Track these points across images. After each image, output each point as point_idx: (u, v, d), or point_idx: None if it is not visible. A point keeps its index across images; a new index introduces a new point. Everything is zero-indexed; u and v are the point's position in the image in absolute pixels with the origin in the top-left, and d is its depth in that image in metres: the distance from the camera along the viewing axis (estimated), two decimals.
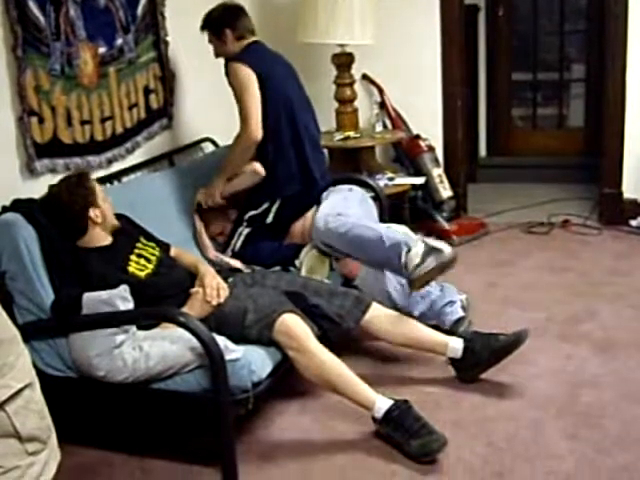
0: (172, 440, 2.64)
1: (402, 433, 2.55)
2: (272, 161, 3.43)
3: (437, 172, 4.79)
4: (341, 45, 4.47)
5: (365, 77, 4.94)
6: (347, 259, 3.37)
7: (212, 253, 3.41)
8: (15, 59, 2.79)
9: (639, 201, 4.76)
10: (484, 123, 6.38)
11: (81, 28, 3.10)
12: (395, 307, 3.24)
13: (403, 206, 4.61)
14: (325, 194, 3.52)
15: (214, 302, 2.74)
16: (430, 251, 2.96)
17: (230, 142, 3.49)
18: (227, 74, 3.40)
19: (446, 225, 4.75)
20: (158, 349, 2.50)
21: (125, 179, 3.42)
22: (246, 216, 3.48)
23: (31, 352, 1.98)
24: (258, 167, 3.42)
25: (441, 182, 4.79)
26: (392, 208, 3.99)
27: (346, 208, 3.35)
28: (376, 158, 4.80)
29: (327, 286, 3.08)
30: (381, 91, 4.92)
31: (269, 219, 3.46)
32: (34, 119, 2.88)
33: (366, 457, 2.59)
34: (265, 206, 3.46)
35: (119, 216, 2.85)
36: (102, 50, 3.26)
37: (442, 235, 4.69)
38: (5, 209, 2.69)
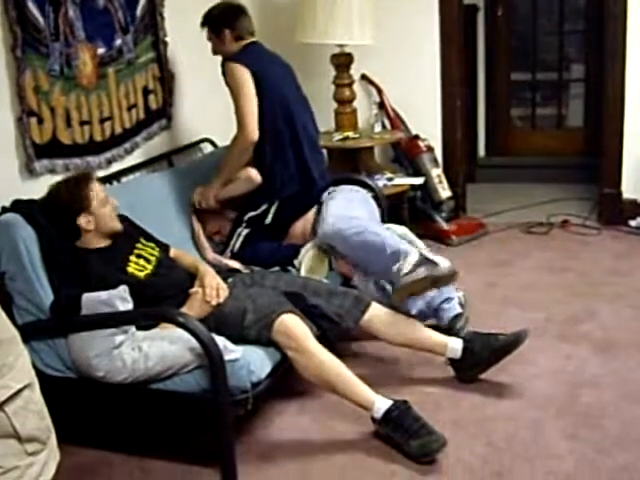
0: (171, 440, 2.64)
1: (401, 433, 2.55)
2: (270, 162, 3.43)
3: (436, 172, 4.79)
4: (340, 45, 4.47)
5: (364, 77, 4.94)
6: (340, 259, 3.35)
7: (210, 254, 3.41)
8: (14, 59, 2.79)
9: (638, 201, 4.76)
10: (483, 123, 6.38)
11: (80, 29, 3.11)
12: (392, 305, 3.21)
13: (402, 206, 4.60)
14: (327, 194, 3.52)
15: (213, 302, 2.74)
16: (423, 262, 2.95)
17: (229, 143, 3.50)
18: (224, 74, 3.40)
19: (445, 225, 4.76)
20: (157, 349, 2.50)
21: (124, 179, 3.42)
22: (245, 217, 3.48)
23: (30, 352, 1.97)
24: (253, 174, 3.42)
25: (440, 182, 4.79)
26: (391, 208, 3.99)
27: (354, 210, 3.35)
28: (375, 158, 4.80)
29: (326, 286, 3.08)
30: (380, 91, 4.92)
31: (268, 220, 3.47)
32: (33, 120, 2.88)
33: (365, 457, 2.59)
34: (264, 207, 3.46)
35: (119, 217, 2.84)
36: (101, 51, 3.26)
37: (441, 235, 4.72)
38: (5, 209, 2.69)
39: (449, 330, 3.16)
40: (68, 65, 3.04)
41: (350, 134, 4.54)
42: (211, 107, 3.97)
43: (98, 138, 3.27)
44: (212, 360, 2.38)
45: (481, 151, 6.41)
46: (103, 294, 2.51)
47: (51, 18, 2.93)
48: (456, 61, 4.88)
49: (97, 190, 2.74)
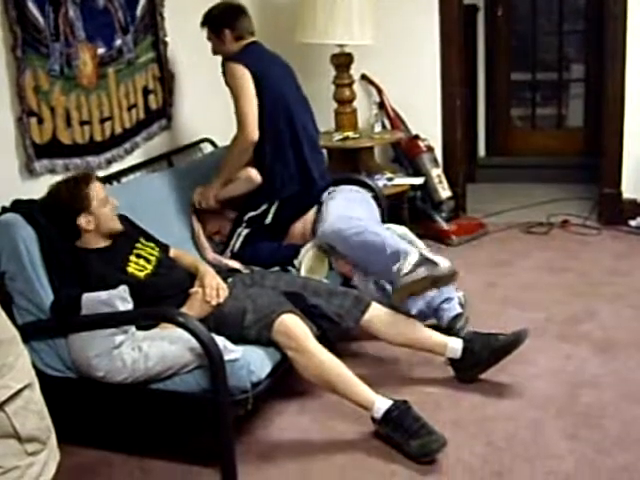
0: (171, 440, 2.64)
1: (401, 433, 2.55)
2: (270, 162, 3.43)
3: (436, 172, 4.79)
4: (340, 45, 4.47)
5: (364, 77, 4.94)
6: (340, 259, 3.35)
7: (210, 255, 3.41)
8: (14, 59, 2.79)
9: (638, 201, 4.76)
10: (483, 123, 6.38)
11: (80, 29, 3.11)
12: (392, 305, 3.21)
13: (402, 206, 4.60)
14: (327, 194, 3.52)
15: (213, 302, 2.74)
16: (423, 262, 2.95)
17: (229, 143, 3.50)
18: (224, 74, 3.40)
19: (445, 225, 4.76)
20: (157, 349, 2.50)
21: (124, 180, 3.42)
22: (245, 217, 3.48)
23: (30, 352, 1.98)
24: (253, 174, 3.42)
25: (440, 182, 4.79)
26: (391, 208, 3.99)
27: (354, 210, 3.35)
28: (375, 158, 4.80)
29: (326, 286, 3.08)
30: (380, 91, 4.92)
31: (268, 220, 3.47)
32: (33, 119, 2.88)
33: (365, 457, 2.59)
34: (264, 207, 3.46)
35: (119, 217, 2.84)
36: (101, 51, 3.26)
37: (441, 235, 4.72)
38: (5, 209, 2.69)
39: (449, 330, 3.16)
40: (68, 65, 3.04)
41: (350, 134, 4.54)
42: (211, 107, 3.98)
43: (98, 138, 3.27)
44: (212, 360, 2.38)
45: (481, 151, 6.41)
46: (103, 294, 2.51)
47: (51, 18, 2.93)
48: (456, 61, 4.88)
49: (97, 190, 2.74)
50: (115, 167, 3.40)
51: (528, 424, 2.71)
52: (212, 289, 2.77)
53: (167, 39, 3.76)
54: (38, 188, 2.82)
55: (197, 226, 3.50)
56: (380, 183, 4.32)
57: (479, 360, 2.94)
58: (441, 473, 2.48)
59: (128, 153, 3.50)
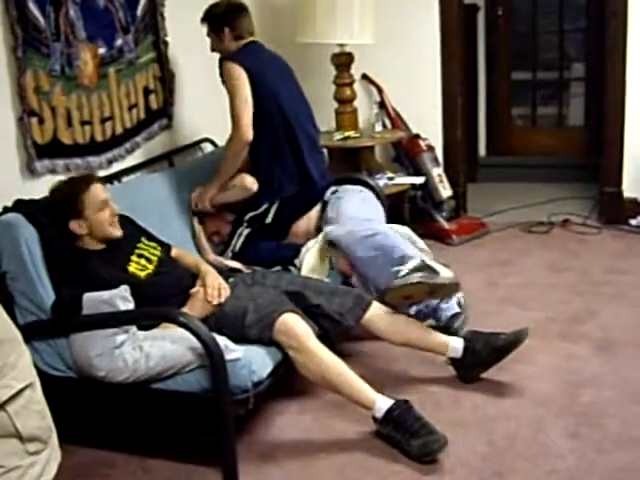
0: (173, 440, 2.64)
1: (402, 433, 2.55)
2: (268, 162, 3.43)
3: (437, 172, 4.79)
4: (340, 45, 4.48)
5: (364, 77, 4.94)
6: (342, 257, 3.34)
7: (211, 256, 3.41)
8: (15, 60, 2.79)
9: (639, 200, 4.76)
10: (484, 122, 6.38)
11: (81, 29, 3.11)
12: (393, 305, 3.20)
13: (403, 206, 4.61)
14: (331, 193, 3.51)
15: (215, 302, 2.74)
16: (423, 268, 2.94)
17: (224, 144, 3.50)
18: (221, 73, 3.40)
19: (446, 225, 4.76)
20: (158, 349, 2.50)
21: (125, 179, 3.42)
22: (246, 217, 3.48)
23: (32, 352, 1.98)
24: (248, 182, 3.42)
25: (441, 182, 4.79)
26: (392, 208, 3.99)
27: (366, 212, 3.36)
28: (376, 158, 4.80)
29: (327, 285, 3.08)
30: (380, 91, 4.92)
31: (269, 219, 3.46)
32: (34, 119, 2.88)
33: (366, 457, 2.59)
34: (265, 206, 3.46)
35: (120, 217, 2.83)
36: (102, 51, 3.26)
37: (442, 235, 4.72)
38: (6, 209, 2.70)
39: (446, 330, 3.15)
40: (69, 65, 3.04)
41: (351, 134, 4.54)
42: (212, 107, 3.97)
43: (99, 138, 3.27)
44: (213, 360, 2.38)
45: (482, 150, 6.41)
46: (104, 294, 2.52)
47: (52, 18, 2.93)
48: (457, 60, 4.88)
49: (95, 194, 2.70)
50: (116, 167, 3.40)
51: (529, 423, 2.72)
52: (213, 289, 2.78)
53: (168, 39, 3.76)
54: (39, 188, 2.82)
55: (198, 228, 3.50)
56: (381, 182, 4.32)
57: (480, 359, 2.94)
58: (442, 473, 2.48)
59: (129, 153, 3.50)
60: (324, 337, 2.80)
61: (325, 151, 4.20)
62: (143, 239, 2.90)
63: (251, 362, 2.51)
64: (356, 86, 4.69)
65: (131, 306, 2.56)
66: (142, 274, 2.76)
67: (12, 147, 2.85)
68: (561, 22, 6.25)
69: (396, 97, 4.88)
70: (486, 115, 6.37)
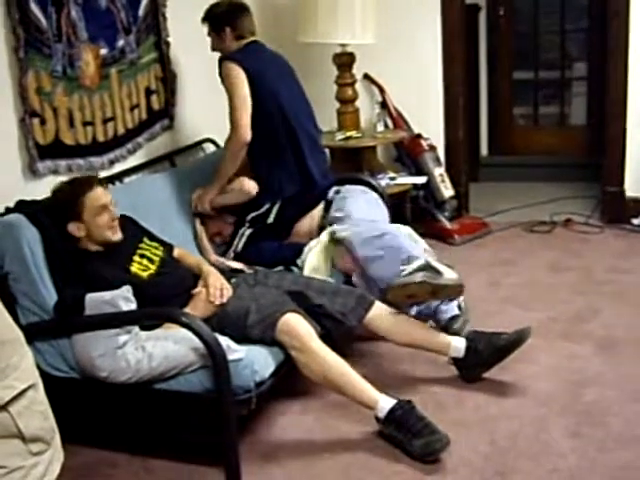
0: (175, 440, 2.64)
1: (405, 433, 2.55)
2: (268, 162, 3.43)
3: (439, 171, 4.79)
4: (342, 45, 4.48)
5: (366, 77, 4.94)
6: (346, 256, 3.33)
7: (213, 257, 3.41)
8: (17, 60, 2.79)
9: None
10: (485, 122, 6.37)
11: (83, 29, 3.11)
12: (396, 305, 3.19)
13: (405, 206, 4.61)
14: (334, 193, 3.51)
15: (217, 302, 2.74)
16: (426, 268, 2.93)
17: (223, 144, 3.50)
18: (220, 73, 3.39)
19: (448, 224, 4.75)
20: (161, 349, 2.51)
21: (127, 180, 3.42)
22: (248, 217, 3.47)
23: (34, 353, 1.97)
24: (247, 187, 3.42)
25: (443, 181, 4.79)
26: (394, 208, 3.98)
27: (374, 213, 3.36)
28: (378, 158, 4.80)
29: (330, 285, 3.08)
30: (382, 91, 4.92)
31: (270, 219, 3.46)
32: (36, 120, 2.88)
33: (369, 457, 2.59)
34: (266, 207, 3.46)
35: (122, 217, 2.83)
36: (104, 51, 3.26)
37: (444, 234, 4.72)
38: (9, 210, 2.70)
39: (446, 331, 3.14)
40: (71, 66, 3.05)
41: (353, 134, 4.54)
42: (213, 107, 3.97)
43: (101, 139, 3.27)
44: (216, 360, 2.38)
45: (484, 150, 6.41)
46: (106, 294, 2.52)
47: (54, 19, 2.94)
48: (458, 60, 4.88)
49: (95, 198, 2.68)
50: (118, 167, 3.41)
51: (531, 422, 2.72)
52: (216, 289, 2.78)
53: (169, 39, 3.76)
54: (41, 189, 2.82)
55: (200, 228, 3.50)
56: (383, 182, 4.32)
57: (482, 359, 2.94)
58: (445, 472, 2.48)
59: (131, 153, 3.51)
60: (326, 337, 2.80)
61: (327, 151, 4.20)
62: (145, 239, 2.91)
63: (253, 362, 2.51)
64: (358, 86, 4.69)
65: (133, 306, 2.56)
66: (144, 274, 2.76)
67: (14, 148, 2.85)
68: (562, 22, 6.24)
69: (398, 97, 4.88)
70: (488, 115, 6.36)
